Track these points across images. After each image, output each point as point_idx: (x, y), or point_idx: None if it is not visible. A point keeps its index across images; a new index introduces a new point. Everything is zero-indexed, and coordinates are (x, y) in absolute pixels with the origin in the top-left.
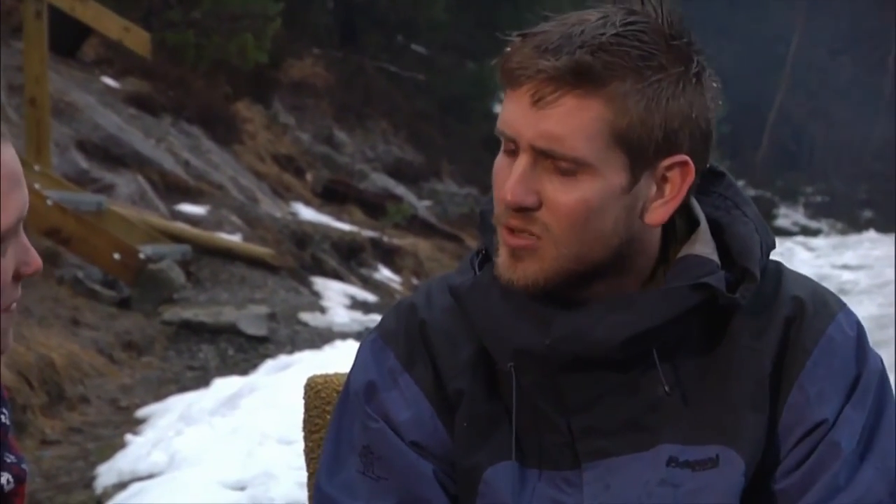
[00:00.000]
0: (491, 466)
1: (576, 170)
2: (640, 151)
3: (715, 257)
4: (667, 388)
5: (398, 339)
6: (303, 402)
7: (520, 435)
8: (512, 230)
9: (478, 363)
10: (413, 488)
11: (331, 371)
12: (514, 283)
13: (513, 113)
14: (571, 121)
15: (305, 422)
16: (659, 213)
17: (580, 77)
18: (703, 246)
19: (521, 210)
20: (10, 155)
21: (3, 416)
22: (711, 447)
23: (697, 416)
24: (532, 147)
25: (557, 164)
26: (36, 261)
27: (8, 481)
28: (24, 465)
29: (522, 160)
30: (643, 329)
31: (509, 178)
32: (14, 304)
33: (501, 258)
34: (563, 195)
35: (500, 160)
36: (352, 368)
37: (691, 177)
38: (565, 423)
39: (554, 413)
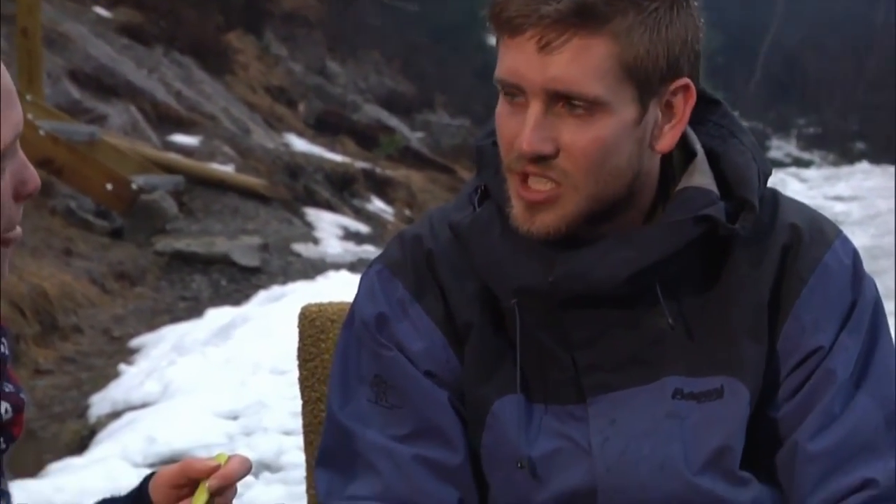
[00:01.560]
0: (498, 399)
1: (591, 110)
2: (647, 82)
3: (714, 188)
4: (670, 322)
5: (406, 270)
6: (296, 331)
7: (525, 370)
8: (526, 181)
9: (484, 297)
10: (429, 416)
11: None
12: (532, 233)
13: (517, 61)
14: (582, 62)
15: (299, 350)
16: (668, 138)
17: (584, 17)
18: (701, 177)
19: (539, 158)
20: (3, 71)
21: (2, 347)
22: (716, 378)
23: (701, 348)
24: (545, 93)
25: (571, 108)
26: (34, 179)
27: (6, 410)
28: (22, 395)
29: (535, 108)
30: (646, 265)
31: (523, 127)
32: (18, 230)
33: (517, 210)
34: (580, 137)
35: (504, 109)
36: (357, 299)
37: (693, 99)
38: (569, 358)
39: (558, 349)
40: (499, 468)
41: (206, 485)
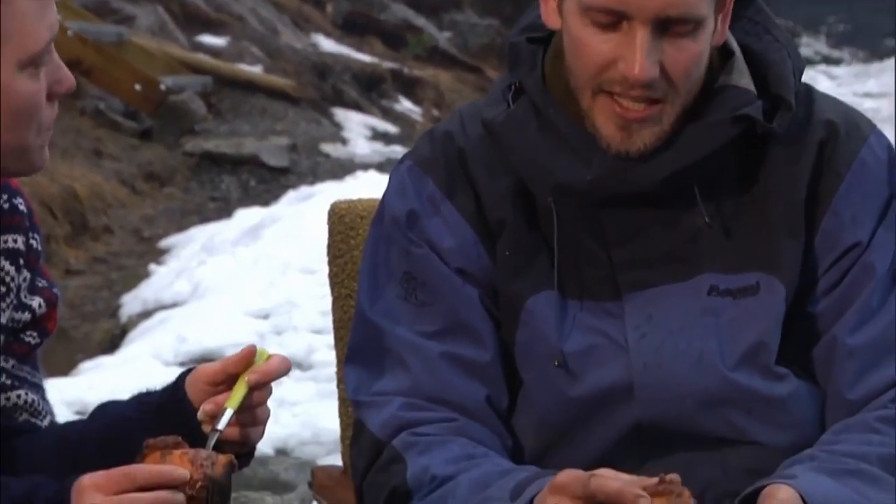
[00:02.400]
0: (533, 295)
1: (695, 27)
2: None
3: (752, 87)
4: (707, 220)
5: (437, 167)
6: (326, 230)
7: (560, 267)
8: (615, 99)
9: (518, 194)
10: (459, 313)
11: None
12: (630, 153)
13: None
14: None
15: (329, 247)
16: (720, 31)
17: None
18: (739, 76)
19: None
20: None
21: (34, 241)
22: (751, 274)
23: (737, 245)
24: (656, 18)
25: (678, 28)
26: (69, 79)
27: (40, 305)
28: (55, 290)
29: (643, 34)
30: (684, 165)
31: (623, 52)
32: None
33: (609, 130)
34: (685, 56)
35: (588, 32)
36: (385, 195)
37: None
38: (606, 255)
39: (594, 245)
40: (533, 365)
41: (246, 379)
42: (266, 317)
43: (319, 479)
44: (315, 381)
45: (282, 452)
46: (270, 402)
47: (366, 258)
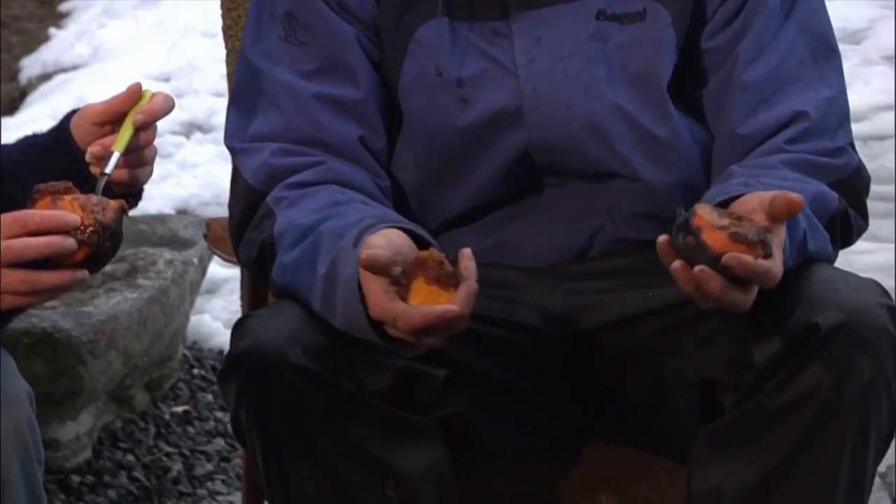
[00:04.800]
0: (421, 24)
1: None
2: None
3: None
4: None
5: None
6: None
7: None
8: None
9: None
10: (335, 52)
11: None
12: None
13: None
14: None
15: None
16: None
17: None
18: None
19: None
20: None
21: None
22: (638, 1)
23: None
24: None
25: None
26: None
27: None
28: None
29: None
30: None
31: None
32: None
33: None
34: None
35: None
36: None
37: None
38: None
39: None
40: (421, 95)
41: (132, 119)
42: (167, 80)
43: (214, 230)
44: (216, 144)
45: (182, 212)
46: (171, 165)
47: (253, 2)
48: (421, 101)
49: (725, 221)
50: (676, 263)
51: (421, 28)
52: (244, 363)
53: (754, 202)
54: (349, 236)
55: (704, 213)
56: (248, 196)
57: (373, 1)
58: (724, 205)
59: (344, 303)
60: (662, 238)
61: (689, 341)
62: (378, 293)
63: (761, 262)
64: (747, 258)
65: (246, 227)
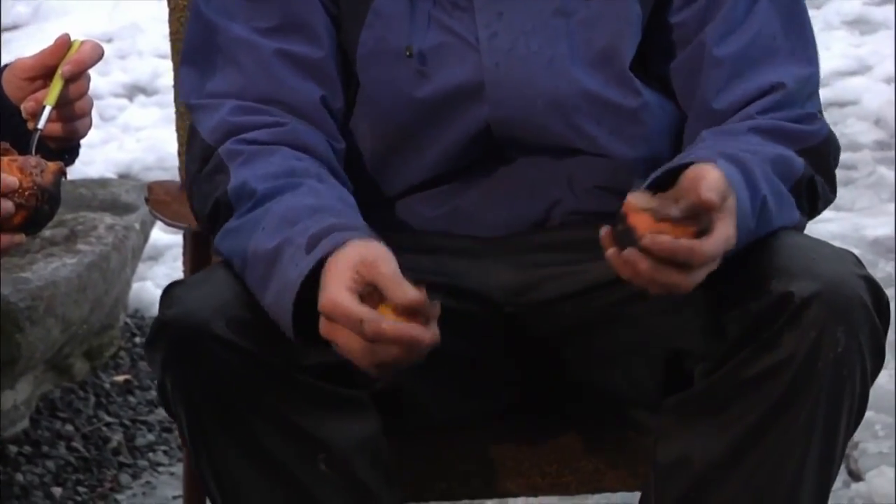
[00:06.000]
0: None
1: None
2: None
3: None
4: None
5: None
6: None
7: None
8: None
9: None
10: (294, 10)
11: None
12: None
13: None
14: None
15: None
16: None
17: None
18: None
19: None
20: None
21: None
22: None
23: None
24: None
25: None
26: None
27: None
28: None
29: None
30: None
31: None
32: None
33: None
34: None
35: None
36: None
37: None
38: None
39: None
40: (378, 65)
41: (60, 72)
42: (110, 40)
43: (156, 193)
44: (160, 107)
45: (124, 177)
46: (113, 129)
47: None
48: (378, 73)
49: (654, 203)
50: (610, 250)
51: None
52: (170, 332)
53: (695, 174)
54: (301, 233)
55: (632, 197)
56: (204, 154)
57: None
58: (668, 178)
59: (277, 296)
60: (604, 230)
61: (652, 310)
62: (343, 292)
63: (683, 241)
64: (663, 238)
65: (198, 176)
